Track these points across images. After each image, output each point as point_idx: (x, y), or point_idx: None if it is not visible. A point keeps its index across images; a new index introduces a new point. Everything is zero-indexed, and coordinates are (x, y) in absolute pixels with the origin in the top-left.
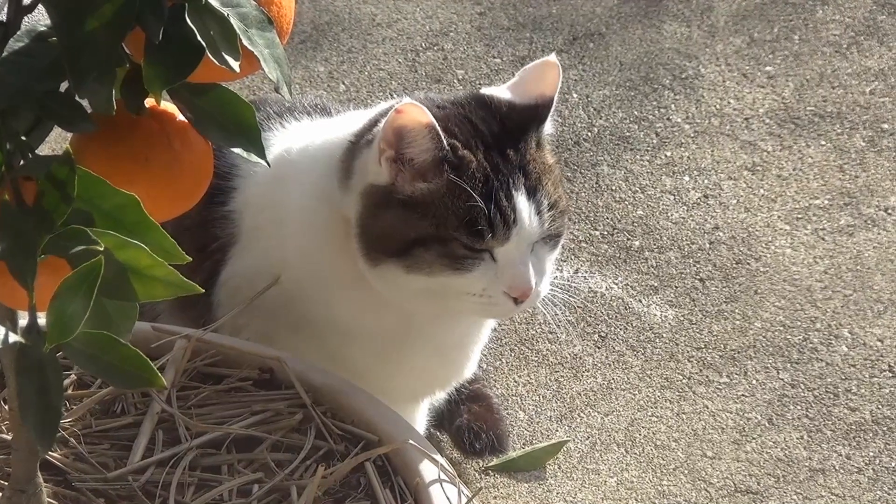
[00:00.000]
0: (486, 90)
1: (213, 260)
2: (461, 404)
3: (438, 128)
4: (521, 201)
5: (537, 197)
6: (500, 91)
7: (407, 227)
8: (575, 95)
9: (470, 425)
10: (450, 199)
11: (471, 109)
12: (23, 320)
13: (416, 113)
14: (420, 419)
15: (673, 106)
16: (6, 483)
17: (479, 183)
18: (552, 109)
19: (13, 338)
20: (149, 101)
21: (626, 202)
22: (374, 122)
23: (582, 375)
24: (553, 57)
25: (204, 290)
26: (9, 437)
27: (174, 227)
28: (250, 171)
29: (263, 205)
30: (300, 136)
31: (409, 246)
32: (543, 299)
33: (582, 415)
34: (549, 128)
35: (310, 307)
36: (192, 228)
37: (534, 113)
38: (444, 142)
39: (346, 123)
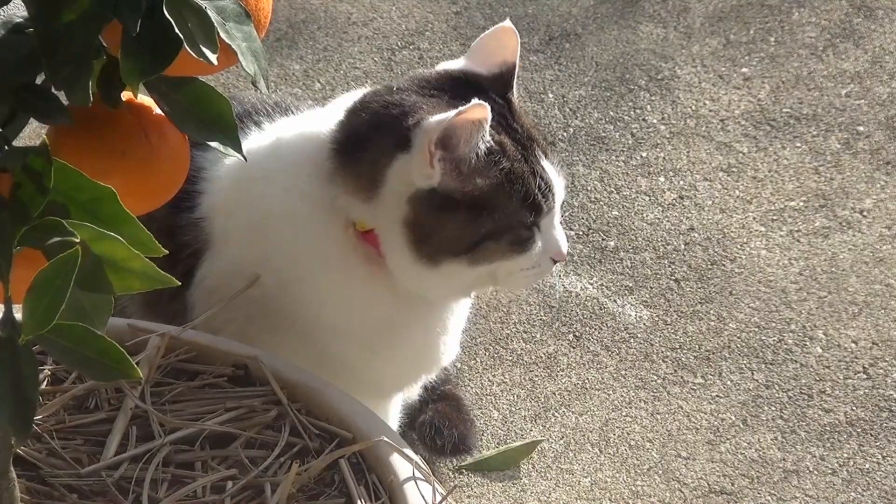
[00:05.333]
0: (446, 66)
1: (186, 264)
2: (429, 403)
3: (488, 121)
4: (549, 167)
5: (551, 158)
6: (459, 64)
7: (478, 224)
8: (551, 96)
9: (433, 421)
10: (508, 187)
11: (463, 91)
12: None
13: (475, 112)
14: (394, 413)
15: (649, 107)
16: None
17: (521, 163)
18: (516, 74)
19: None
20: (125, 95)
21: (602, 202)
22: (354, 132)
23: (556, 375)
24: (508, 22)
25: (180, 284)
26: None
27: None
28: (216, 175)
29: (233, 208)
30: (264, 136)
31: (479, 241)
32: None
33: (556, 414)
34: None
35: (295, 307)
36: (161, 234)
37: (503, 81)
38: (488, 134)
39: (315, 122)
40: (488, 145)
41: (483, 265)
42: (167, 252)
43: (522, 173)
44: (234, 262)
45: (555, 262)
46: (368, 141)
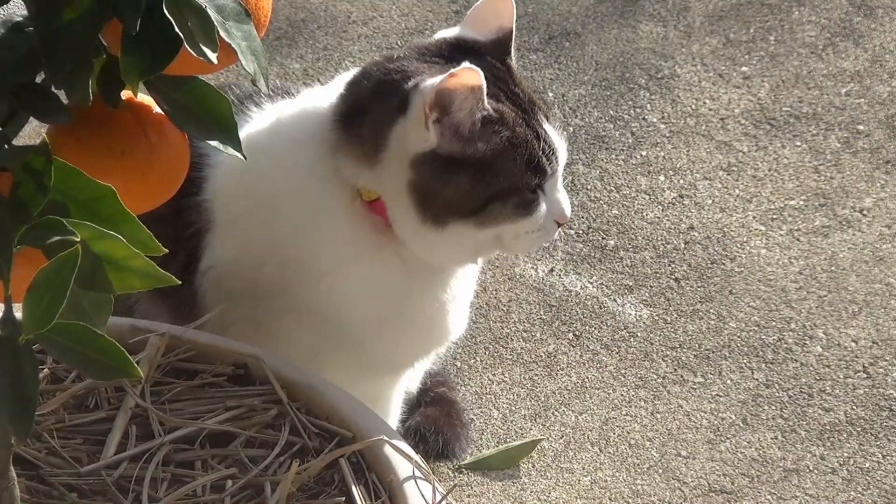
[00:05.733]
0: (444, 34)
1: (189, 248)
2: (420, 406)
3: (485, 89)
4: (551, 130)
5: (552, 122)
6: (456, 31)
7: (483, 186)
8: (551, 94)
9: (418, 427)
10: (512, 151)
11: (463, 57)
12: None
13: (468, 77)
14: (397, 402)
15: (648, 106)
16: None
17: (523, 127)
18: (513, 39)
19: None
20: (125, 94)
21: (602, 201)
22: (356, 100)
23: (556, 374)
24: None
25: (181, 282)
26: None
27: (146, 217)
28: (219, 161)
29: (237, 194)
30: (264, 117)
31: (485, 203)
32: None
33: (556, 413)
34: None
35: (305, 284)
36: (166, 217)
37: (501, 47)
38: (486, 101)
39: (314, 99)
40: (486, 113)
41: (490, 228)
42: (167, 251)
43: (525, 138)
44: (243, 246)
45: (559, 224)
46: (370, 107)
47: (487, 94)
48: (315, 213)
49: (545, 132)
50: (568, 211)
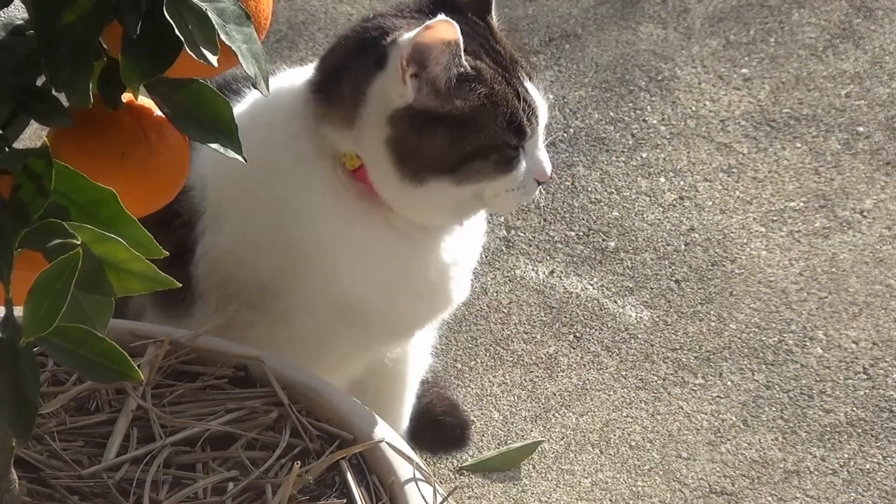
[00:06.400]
0: None
1: (179, 234)
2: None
3: (461, 44)
4: (532, 89)
5: (534, 82)
6: None
7: (461, 142)
8: (551, 96)
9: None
10: (492, 109)
11: (444, 14)
12: None
13: (443, 30)
14: (414, 374)
15: (649, 107)
16: None
17: (503, 85)
18: None
19: None
20: (126, 96)
21: (602, 203)
22: (333, 65)
23: (557, 376)
24: None
25: (178, 272)
26: None
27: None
28: (199, 148)
29: (222, 178)
30: (243, 103)
31: (464, 160)
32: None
33: (557, 415)
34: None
35: (304, 262)
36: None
37: (482, 4)
38: (463, 59)
39: (289, 78)
40: (463, 70)
41: (469, 185)
42: (167, 254)
43: (505, 96)
44: (236, 232)
45: (539, 183)
46: (349, 65)
47: (466, 52)
48: (299, 189)
49: (526, 91)
50: (548, 169)
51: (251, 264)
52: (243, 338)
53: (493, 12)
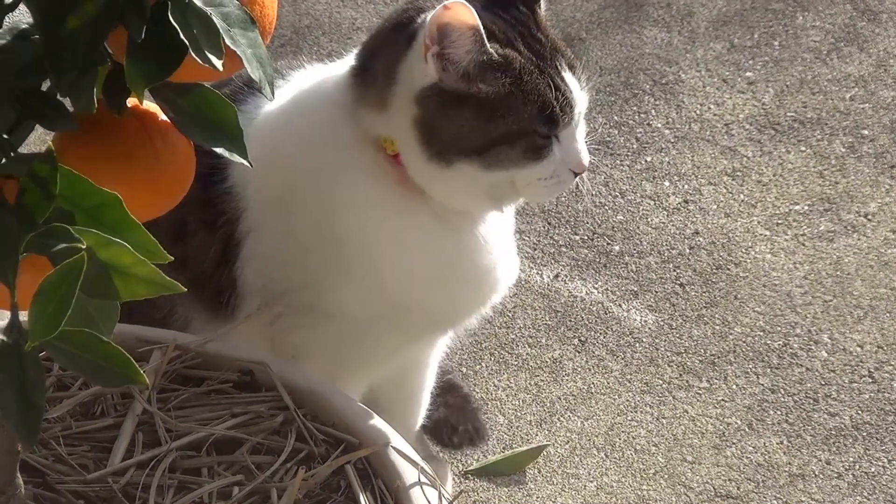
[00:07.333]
0: None
1: (223, 235)
2: (437, 397)
3: (483, 31)
4: (571, 80)
5: (576, 73)
6: None
7: (489, 126)
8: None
9: (447, 418)
10: (521, 96)
11: (490, 1)
12: (3, 320)
13: (462, 12)
14: (433, 365)
15: (653, 111)
16: None
17: (535, 75)
18: None
19: None
20: (131, 101)
21: (607, 207)
22: (370, 48)
23: (562, 380)
24: None
25: (217, 270)
26: None
27: (176, 208)
28: None
29: (267, 174)
30: (281, 94)
31: (490, 144)
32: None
33: (562, 419)
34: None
35: (357, 251)
36: (197, 205)
37: None
38: (487, 46)
39: (330, 70)
40: (488, 57)
41: (498, 171)
42: (172, 258)
43: (536, 85)
44: (281, 231)
45: (575, 174)
46: (383, 46)
47: (500, 39)
48: (345, 179)
49: (562, 80)
50: (586, 160)
51: (298, 263)
52: (288, 345)
53: (542, 2)
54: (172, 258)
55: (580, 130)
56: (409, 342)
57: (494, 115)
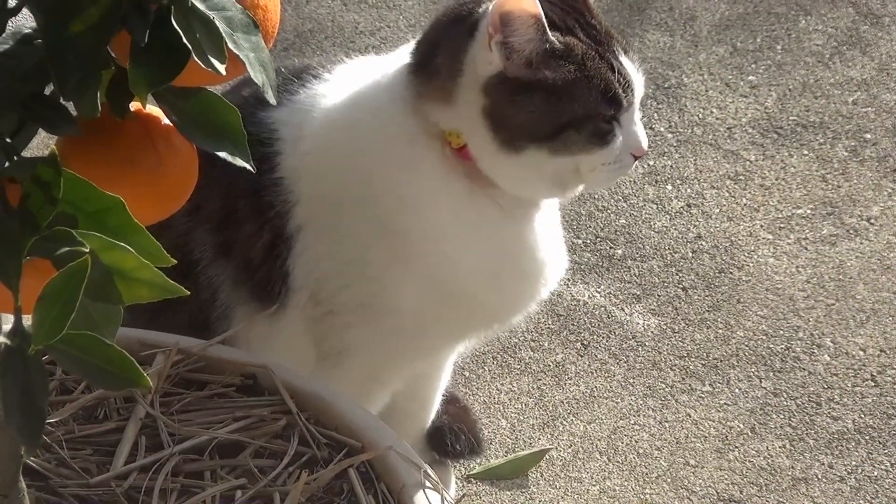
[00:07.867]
0: None
1: (274, 227)
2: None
3: (544, 20)
4: (628, 63)
5: (630, 55)
6: None
7: (557, 111)
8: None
9: (451, 426)
10: (586, 81)
11: None
12: (7, 324)
13: (524, 1)
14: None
15: (656, 115)
16: None
17: (596, 60)
18: None
19: None
20: (134, 105)
21: (609, 211)
22: (429, 43)
23: (564, 383)
24: None
25: (265, 260)
26: None
27: (225, 195)
28: (295, 137)
29: (325, 172)
30: (331, 87)
31: (560, 129)
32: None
33: (564, 423)
34: None
35: (419, 245)
36: (248, 193)
37: None
38: (549, 34)
39: (386, 66)
40: (550, 45)
41: (565, 156)
42: (175, 262)
43: (599, 69)
44: (341, 227)
45: (635, 158)
46: (444, 39)
47: (559, 27)
48: (409, 172)
49: (621, 64)
50: (645, 143)
51: (357, 260)
52: (337, 342)
53: None
54: (175, 261)
55: (637, 115)
56: (460, 338)
57: (562, 101)
